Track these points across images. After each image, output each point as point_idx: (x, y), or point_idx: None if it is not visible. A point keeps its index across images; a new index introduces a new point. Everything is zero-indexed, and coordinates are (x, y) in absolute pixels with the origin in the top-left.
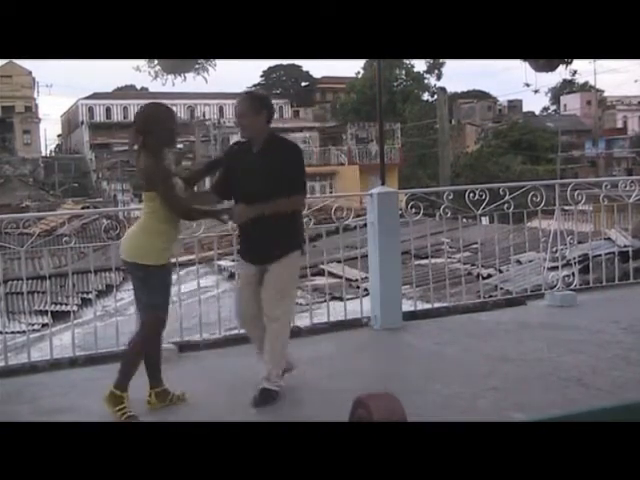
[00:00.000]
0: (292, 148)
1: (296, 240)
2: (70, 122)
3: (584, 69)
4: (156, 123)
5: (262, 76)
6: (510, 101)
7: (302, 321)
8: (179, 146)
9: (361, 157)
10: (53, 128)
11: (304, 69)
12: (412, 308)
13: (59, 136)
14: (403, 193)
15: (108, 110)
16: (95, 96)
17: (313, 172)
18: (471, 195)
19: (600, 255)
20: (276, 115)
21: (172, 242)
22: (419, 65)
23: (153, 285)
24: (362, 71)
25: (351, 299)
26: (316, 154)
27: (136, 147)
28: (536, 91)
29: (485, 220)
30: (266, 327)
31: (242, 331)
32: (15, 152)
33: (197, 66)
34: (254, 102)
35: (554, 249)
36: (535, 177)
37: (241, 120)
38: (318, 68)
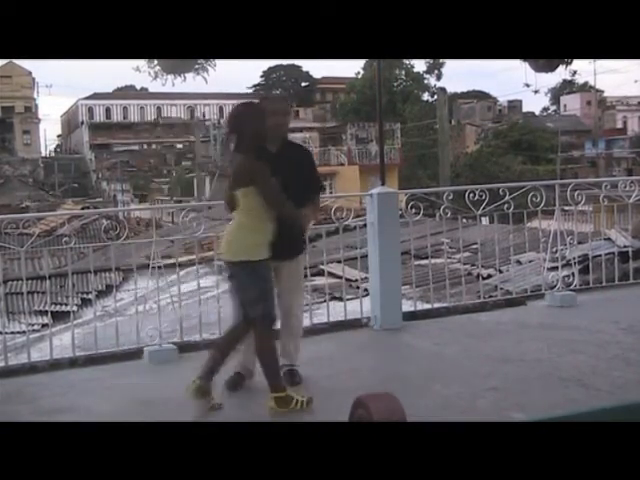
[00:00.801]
0: (307, 152)
1: (304, 239)
2: (70, 122)
3: (584, 69)
4: (249, 122)
5: (262, 76)
6: (510, 101)
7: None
8: (179, 146)
9: (361, 157)
10: (53, 128)
11: (304, 69)
12: (412, 308)
13: (59, 136)
14: (403, 193)
15: (108, 110)
16: (95, 96)
17: None
18: (471, 195)
19: (600, 255)
20: None
21: (269, 237)
22: (419, 65)
23: (261, 277)
24: (362, 71)
25: (351, 299)
26: (316, 154)
27: (231, 146)
28: (536, 91)
29: (485, 220)
30: (285, 319)
31: None
32: (15, 152)
33: (197, 66)
34: (289, 104)
35: (554, 249)
36: (535, 177)
37: (286, 118)
38: (318, 68)
